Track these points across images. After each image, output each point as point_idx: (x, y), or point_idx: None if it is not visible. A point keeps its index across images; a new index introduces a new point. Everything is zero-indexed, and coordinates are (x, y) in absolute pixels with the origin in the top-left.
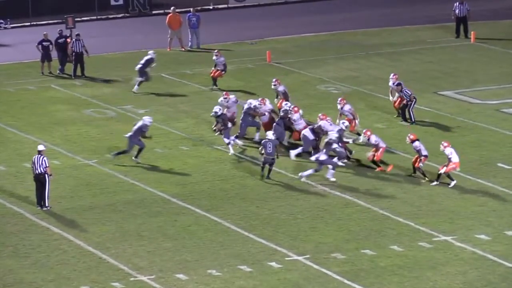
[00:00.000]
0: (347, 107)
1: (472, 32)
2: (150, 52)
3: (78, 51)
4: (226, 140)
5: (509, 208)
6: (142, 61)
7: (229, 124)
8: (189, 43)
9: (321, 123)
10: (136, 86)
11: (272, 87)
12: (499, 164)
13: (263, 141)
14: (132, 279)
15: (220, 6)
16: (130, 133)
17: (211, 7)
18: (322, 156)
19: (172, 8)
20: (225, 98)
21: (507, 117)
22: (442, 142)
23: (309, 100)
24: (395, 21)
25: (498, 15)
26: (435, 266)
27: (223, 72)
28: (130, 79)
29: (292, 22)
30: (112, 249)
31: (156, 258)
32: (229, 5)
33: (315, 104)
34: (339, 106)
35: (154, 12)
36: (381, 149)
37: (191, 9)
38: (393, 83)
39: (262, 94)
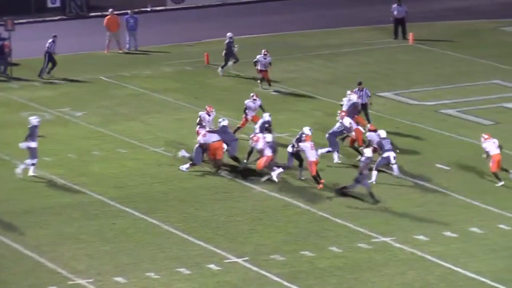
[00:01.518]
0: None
1: (410, 34)
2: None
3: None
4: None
5: (447, 209)
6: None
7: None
8: (127, 45)
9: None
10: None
11: (250, 102)
12: (437, 165)
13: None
14: (70, 282)
15: (158, 8)
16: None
17: (149, 9)
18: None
19: (110, 10)
20: (254, 100)
21: (445, 118)
22: (483, 135)
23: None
24: (333, 22)
25: (436, 16)
26: (374, 267)
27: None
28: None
29: (231, 23)
30: (50, 253)
31: (94, 262)
32: (167, 7)
33: None
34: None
35: (91, 14)
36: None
37: (129, 11)
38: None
39: (201, 96)
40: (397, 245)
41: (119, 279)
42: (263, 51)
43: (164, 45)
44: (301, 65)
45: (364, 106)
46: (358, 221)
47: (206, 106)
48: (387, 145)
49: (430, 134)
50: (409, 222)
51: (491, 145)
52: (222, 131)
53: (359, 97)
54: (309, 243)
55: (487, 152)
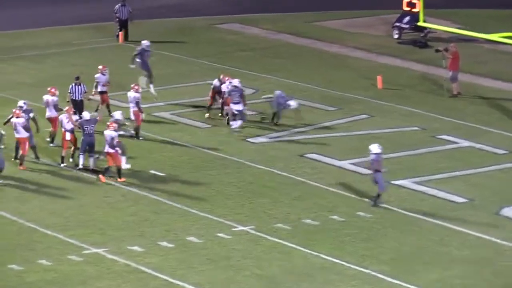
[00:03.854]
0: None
1: (121, 32)
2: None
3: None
4: None
5: (163, 217)
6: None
7: None
8: None
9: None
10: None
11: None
12: (151, 171)
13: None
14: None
15: None
16: None
17: None
18: None
19: None
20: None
21: (159, 121)
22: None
23: None
24: (38, 22)
25: (150, 14)
26: (86, 280)
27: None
28: None
29: None
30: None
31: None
32: None
33: None
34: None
35: None
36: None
37: None
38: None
39: None
40: (110, 256)
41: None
42: None
43: None
44: (3, 68)
45: (80, 103)
46: (68, 231)
47: None
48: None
49: (143, 138)
50: (123, 232)
51: None
52: None
53: (71, 94)
54: (16, 256)
55: None
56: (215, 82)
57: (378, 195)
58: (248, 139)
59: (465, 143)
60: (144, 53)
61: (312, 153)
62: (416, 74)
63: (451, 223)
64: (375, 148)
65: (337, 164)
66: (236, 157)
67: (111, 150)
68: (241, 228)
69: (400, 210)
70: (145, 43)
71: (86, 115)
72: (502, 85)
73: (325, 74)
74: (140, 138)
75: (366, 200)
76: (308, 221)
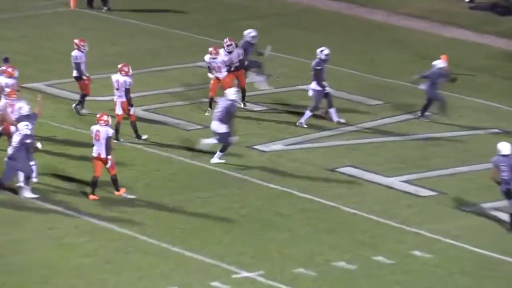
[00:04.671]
0: None
1: None
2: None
3: None
4: None
5: (131, 258)
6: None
7: None
8: None
9: None
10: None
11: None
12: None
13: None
14: None
15: None
16: None
17: None
18: None
19: None
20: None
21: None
22: None
23: None
24: None
25: None
26: None
27: None
28: None
29: None
30: None
31: None
32: None
33: None
34: None
35: None
36: None
37: None
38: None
39: None
40: None
41: None
42: None
43: None
44: None
45: None
46: None
47: None
48: None
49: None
50: (74, 282)
51: None
52: None
53: None
54: None
55: None
56: (208, 59)
57: None
58: (256, 146)
59: None
60: (248, 48)
61: (348, 166)
62: (496, 53)
63: None
64: (506, 147)
65: (383, 183)
66: (238, 171)
67: (103, 155)
68: (245, 274)
69: (461, 244)
70: (250, 33)
71: (24, 107)
72: None
73: (366, 53)
74: (121, 140)
75: (425, 233)
76: (342, 264)
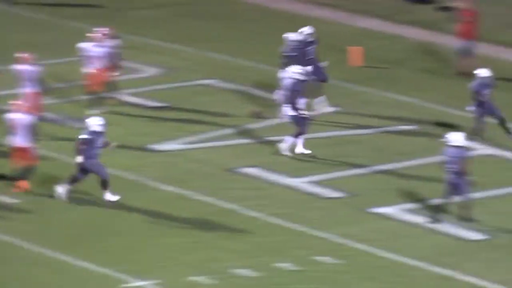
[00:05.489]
0: None
1: None
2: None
3: None
4: None
5: None
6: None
7: None
8: None
9: None
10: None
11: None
12: None
13: None
14: None
15: None
16: None
17: None
18: None
19: None
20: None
21: None
22: None
23: None
24: None
25: None
26: None
27: None
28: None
29: None
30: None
31: None
32: None
33: None
34: None
35: None
36: None
37: None
38: None
39: None
40: None
41: None
42: None
43: None
44: None
45: None
46: None
47: None
48: None
49: None
50: None
51: None
52: None
53: None
54: None
55: None
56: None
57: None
58: (150, 145)
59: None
60: (305, 47)
61: (249, 166)
62: (411, 44)
63: None
64: (458, 139)
65: (289, 184)
66: (132, 172)
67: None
68: (137, 283)
69: (371, 249)
70: (306, 31)
71: None
72: None
73: (272, 45)
74: None
75: (333, 237)
76: (243, 271)
